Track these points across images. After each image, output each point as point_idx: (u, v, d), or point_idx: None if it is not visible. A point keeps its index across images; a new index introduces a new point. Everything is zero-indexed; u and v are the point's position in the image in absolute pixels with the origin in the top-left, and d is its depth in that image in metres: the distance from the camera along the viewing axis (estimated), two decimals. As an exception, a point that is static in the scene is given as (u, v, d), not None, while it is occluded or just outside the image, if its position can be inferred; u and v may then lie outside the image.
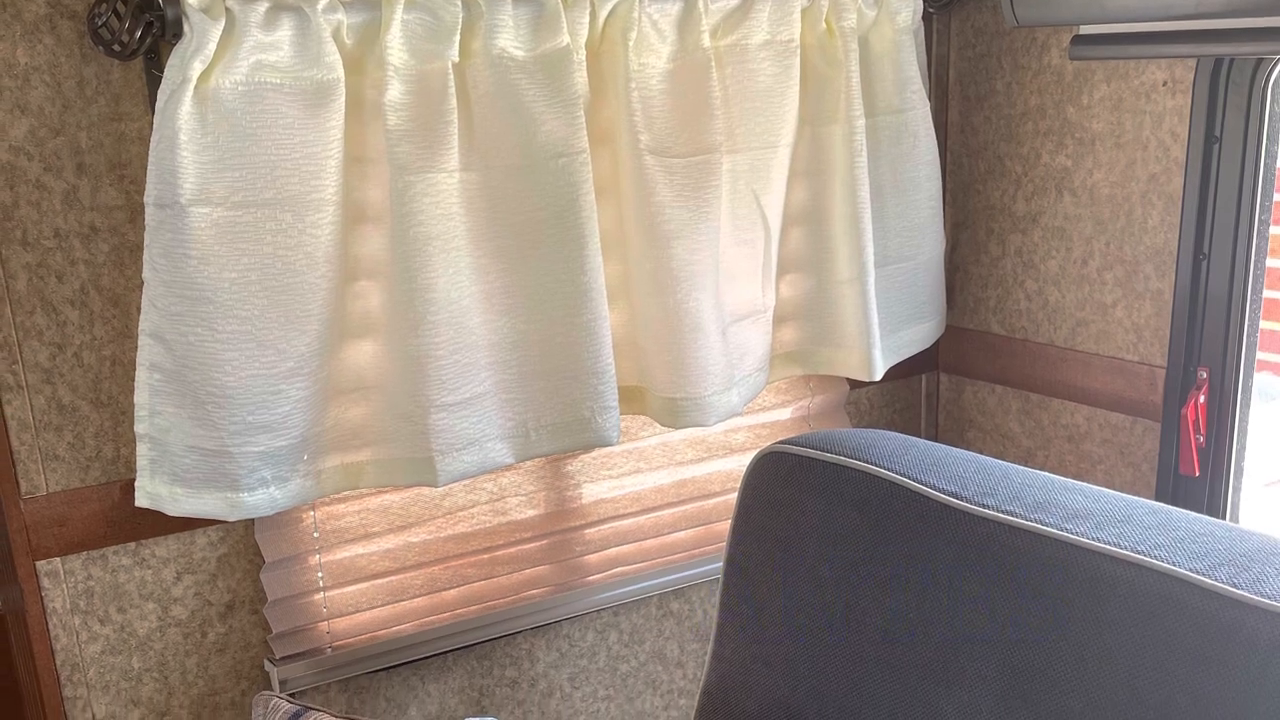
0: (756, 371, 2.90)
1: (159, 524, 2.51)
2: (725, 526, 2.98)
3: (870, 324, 2.91)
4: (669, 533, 3.16)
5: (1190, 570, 1.64)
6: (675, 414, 2.73)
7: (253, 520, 2.61)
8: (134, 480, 2.33)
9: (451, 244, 2.39)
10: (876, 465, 2.05)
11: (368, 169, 2.35)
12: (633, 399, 2.78)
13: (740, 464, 3.14)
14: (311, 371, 2.35)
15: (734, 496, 2.38)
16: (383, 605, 2.83)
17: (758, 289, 2.84)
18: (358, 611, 2.80)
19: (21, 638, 2.52)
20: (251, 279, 2.23)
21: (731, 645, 2.23)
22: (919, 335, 3.17)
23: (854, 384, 3.33)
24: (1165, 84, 2.76)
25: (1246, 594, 1.59)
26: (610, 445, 2.67)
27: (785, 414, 3.27)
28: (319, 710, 2.28)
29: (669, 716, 3.23)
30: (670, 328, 2.66)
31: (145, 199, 2.18)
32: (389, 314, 2.42)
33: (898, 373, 3.28)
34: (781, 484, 2.17)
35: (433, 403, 2.42)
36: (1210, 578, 1.62)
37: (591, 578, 3.07)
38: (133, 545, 2.52)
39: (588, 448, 2.71)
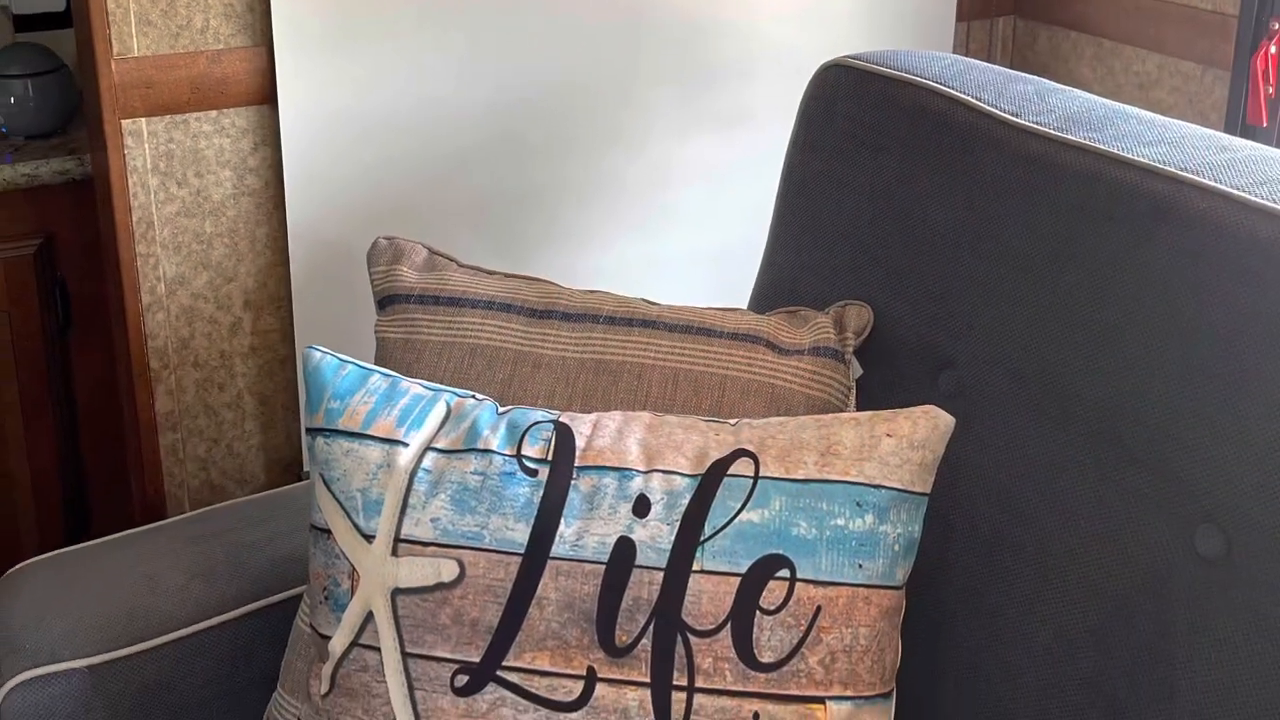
0: None
1: (241, 94, 2.58)
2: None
3: None
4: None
5: (1232, 187, 1.64)
6: None
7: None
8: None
9: None
10: (936, 81, 2.05)
11: None
12: None
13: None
14: None
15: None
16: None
17: None
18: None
19: (103, 196, 2.60)
20: None
21: (784, 254, 2.25)
22: None
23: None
24: None
25: (1281, 209, 1.60)
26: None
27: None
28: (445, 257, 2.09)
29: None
30: None
31: None
32: None
33: (973, 13, 3.28)
34: (843, 97, 2.16)
35: None
36: (1251, 194, 1.62)
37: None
38: (214, 114, 2.57)
39: None
